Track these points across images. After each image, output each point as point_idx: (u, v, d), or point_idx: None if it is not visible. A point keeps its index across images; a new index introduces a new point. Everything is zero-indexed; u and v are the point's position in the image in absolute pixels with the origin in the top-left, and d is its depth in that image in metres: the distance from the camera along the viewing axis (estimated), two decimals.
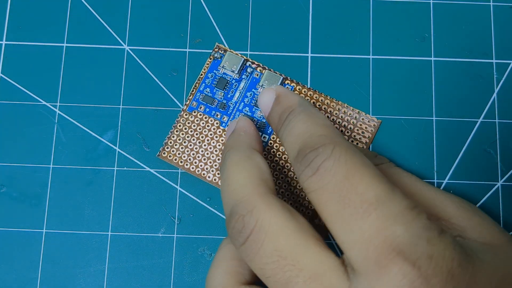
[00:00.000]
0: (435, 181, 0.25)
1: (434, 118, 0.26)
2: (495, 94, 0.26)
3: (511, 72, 0.26)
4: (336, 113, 0.25)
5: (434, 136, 0.25)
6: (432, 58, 0.26)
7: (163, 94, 0.26)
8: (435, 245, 0.15)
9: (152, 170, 0.25)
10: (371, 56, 0.26)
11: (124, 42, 0.26)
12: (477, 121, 0.25)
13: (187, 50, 0.26)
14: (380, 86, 0.26)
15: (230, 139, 0.22)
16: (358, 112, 0.25)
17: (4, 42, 0.26)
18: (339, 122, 0.25)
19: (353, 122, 0.25)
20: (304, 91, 0.25)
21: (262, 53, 0.26)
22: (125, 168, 0.25)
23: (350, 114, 0.25)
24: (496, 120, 0.25)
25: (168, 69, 0.26)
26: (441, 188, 0.25)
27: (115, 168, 0.25)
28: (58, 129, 0.25)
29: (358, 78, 0.26)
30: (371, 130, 0.25)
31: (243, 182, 0.18)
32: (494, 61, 0.26)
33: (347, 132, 0.25)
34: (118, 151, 0.25)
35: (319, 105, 0.25)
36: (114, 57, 0.26)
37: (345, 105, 0.25)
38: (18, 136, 0.25)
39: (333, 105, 0.25)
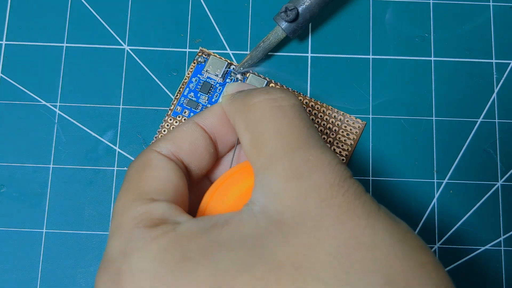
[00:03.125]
0: (435, 181, 0.25)
1: (434, 118, 0.26)
2: (495, 94, 0.26)
3: (511, 72, 0.26)
4: (320, 116, 0.25)
5: (434, 136, 0.25)
6: (432, 58, 0.26)
7: (163, 94, 0.26)
8: (126, 257, 0.15)
9: None
10: (371, 56, 0.26)
11: (124, 42, 0.26)
12: (477, 121, 0.25)
13: (187, 50, 0.26)
14: (380, 86, 0.26)
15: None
16: (343, 114, 0.25)
17: (4, 42, 0.26)
18: (324, 124, 0.25)
19: (338, 124, 0.25)
20: None
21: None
22: (125, 168, 0.25)
23: (334, 116, 0.25)
24: (496, 120, 0.25)
25: (168, 69, 0.26)
26: (441, 188, 0.25)
27: (115, 168, 0.25)
28: (58, 129, 0.25)
29: (358, 78, 0.26)
30: (356, 132, 0.25)
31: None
32: (494, 61, 0.26)
33: (332, 134, 0.25)
34: (118, 151, 0.25)
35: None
36: (114, 57, 0.26)
37: (330, 107, 0.25)
38: (18, 136, 0.25)
39: (317, 107, 0.25)
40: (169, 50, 0.26)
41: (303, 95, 0.25)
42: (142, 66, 0.26)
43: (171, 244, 0.14)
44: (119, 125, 0.25)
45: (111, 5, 0.27)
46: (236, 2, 0.27)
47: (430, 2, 0.27)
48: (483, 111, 0.26)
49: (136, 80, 0.26)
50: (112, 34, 0.26)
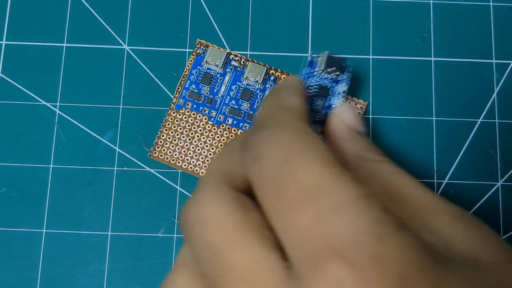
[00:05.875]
0: (435, 181, 0.25)
1: (434, 118, 0.26)
2: (495, 94, 0.26)
3: (511, 72, 0.26)
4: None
5: (434, 136, 0.25)
6: (432, 58, 0.26)
7: (163, 94, 0.26)
8: (387, 243, 0.12)
9: (152, 170, 0.25)
10: (371, 56, 0.26)
11: (124, 42, 0.26)
12: (477, 121, 0.25)
13: (187, 50, 0.26)
14: (380, 86, 0.26)
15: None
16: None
17: (4, 42, 0.26)
18: None
19: None
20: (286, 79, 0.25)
21: (262, 53, 0.26)
22: (125, 168, 0.25)
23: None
24: (496, 120, 0.25)
25: (168, 69, 0.26)
26: (441, 188, 0.25)
27: (115, 168, 0.25)
28: (58, 129, 0.25)
29: (359, 78, 0.26)
30: (359, 113, 0.25)
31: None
32: (494, 61, 0.26)
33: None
34: (118, 151, 0.25)
35: None
36: (114, 57, 0.26)
37: None
38: (18, 136, 0.25)
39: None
40: (169, 50, 0.26)
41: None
42: (142, 66, 0.26)
43: (418, 243, 0.13)
44: (119, 125, 0.25)
45: (111, 5, 0.27)
46: (236, 2, 0.27)
47: (430, 2, 0.27)
48: (483, 111, 0.26)
49: (136, 80, 0.26)
50: (112, 34, 0.26)
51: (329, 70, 0.22)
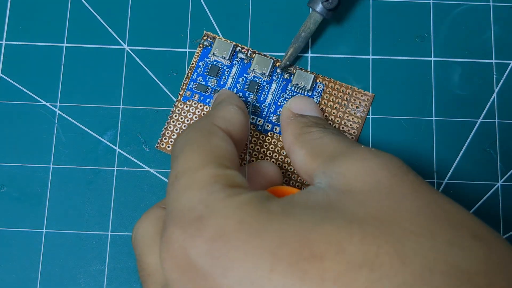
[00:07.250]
0: (435, 181, 0.25)
1: (434, 118, 0.26)
2: (494, 94, 0.26)
3: (511, 72, 0.26)
4: (329, 91, 0.25)
5: (434, 136, 0.25)
6: (432, 58, 0.26)
7: (163, 94, 0.26)
8: (209, 206, 0.15)
9: (152, 170, 0.25)
10: (371, 56, 0.26)
11: (124, 42, 0.26)
12: (477, 121, 0.25)
13: (187, 50, 0.26)
14: (380, 86, 0.26)
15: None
16: (350, 88, 0.25)
17: (4, 42, 0.26)
18: (332, 99, 0.25)
19: (346, 98, 0.25)
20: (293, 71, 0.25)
21: (262, 53, 0.26)
22: (125, 168, 0.25)
23: (342, 91, 0.25)
24: (496, 120, 0.25)
25: (168, 69, 0.26)
26: (441, 188, 0.25)
27: (115, 168, 0.25)
28: (58, 129, 0.25)
29: (358, 78, 0.26)
30: (365, 104, 0.25)
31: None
32: (494, 61, 0.26)
33: (342, 108, 0.25)
34: (118, 151, 0.25)
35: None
36: (114, 57, 0.26)
37: (337, 82, 0.25)
38: (18, 136, 0.25)
39: (325, 83, 0.25)
40: (169, 50, 0.26)
41: (304, 69, 0.26)
42: (142, 66, 0.26)
43: (252, 199, 0.15)
44: (119, 125, 0.25)
45: (111, 5, 0.27)
46: (236, 2, 0.27)
47: (430, 2, 0.27)
48: (483, 111, 0.26)
49: (136, 80, 0.26)
50: (112, 34, 0.26)
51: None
